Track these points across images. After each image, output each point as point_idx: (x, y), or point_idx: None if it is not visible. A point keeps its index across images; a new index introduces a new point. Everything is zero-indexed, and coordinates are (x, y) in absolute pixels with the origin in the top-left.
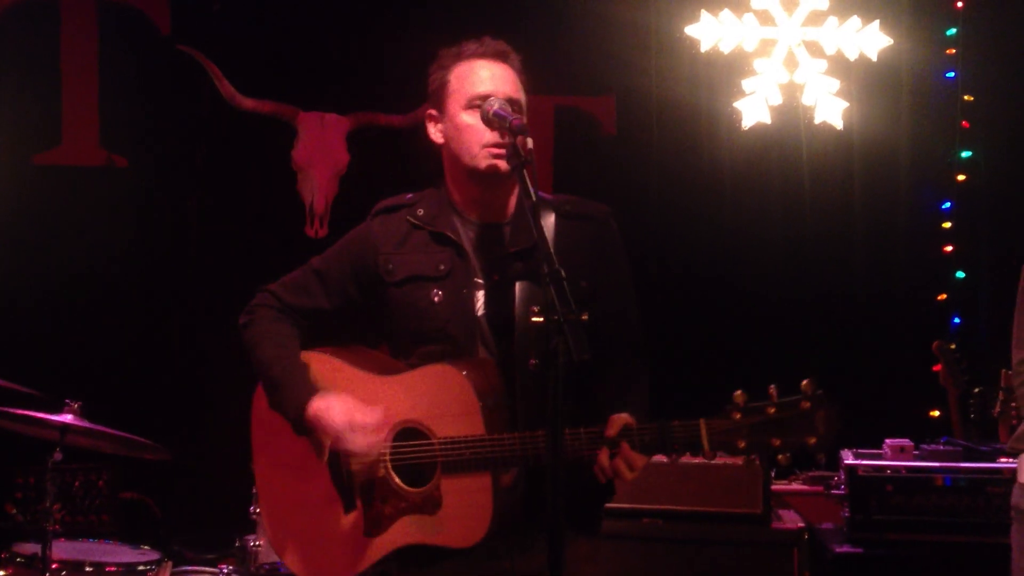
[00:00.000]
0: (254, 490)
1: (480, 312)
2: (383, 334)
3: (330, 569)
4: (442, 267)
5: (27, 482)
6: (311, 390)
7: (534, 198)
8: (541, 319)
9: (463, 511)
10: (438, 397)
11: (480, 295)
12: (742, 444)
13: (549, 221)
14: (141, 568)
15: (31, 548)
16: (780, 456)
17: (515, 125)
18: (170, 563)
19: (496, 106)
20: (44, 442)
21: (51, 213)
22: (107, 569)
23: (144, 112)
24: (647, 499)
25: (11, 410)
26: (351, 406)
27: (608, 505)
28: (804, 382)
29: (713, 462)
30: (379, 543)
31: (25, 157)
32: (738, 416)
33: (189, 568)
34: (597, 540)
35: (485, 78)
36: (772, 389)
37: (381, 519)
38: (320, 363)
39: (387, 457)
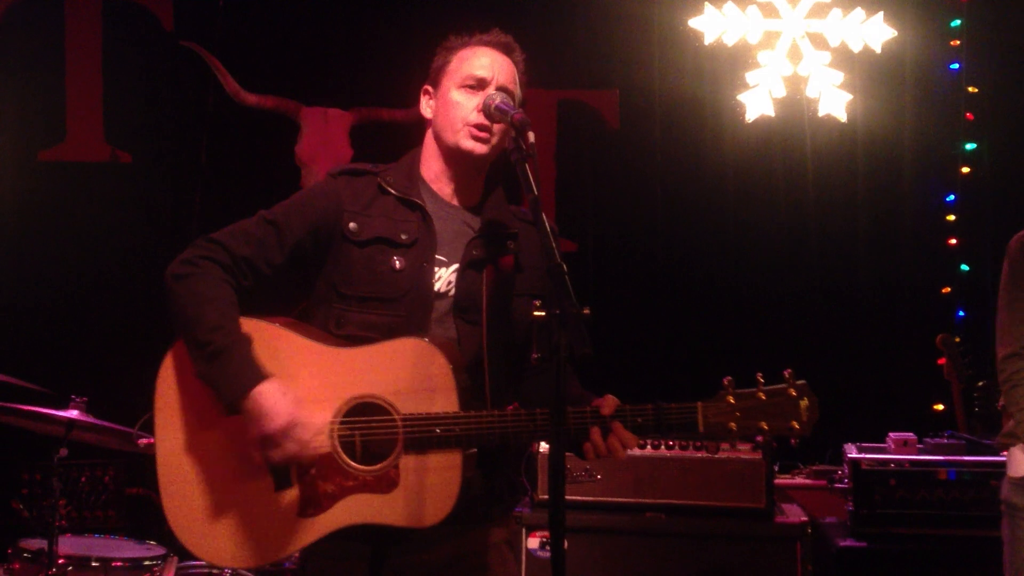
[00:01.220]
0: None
1: (440, 289)
2: (319, 299)
3: (252, 553)
4: (405, 236)
5: (33, 478)
6: (259, 372)
7: (536, 192)
8: (543, 313)
9: (426, 490)
10: (406, 372)
11: (439, 272)
12: (733, 427)
13: (515, 225)
14: (147, 563)
15: (37, 544)
16: (760, 437)
17: (517, 120)
18: (176, 558)
19: (498, 100)
20: (50, 438)
21: (56, 209)
22: (113, 564)
23: (148, 108)
24: (650, 493)
25: (17, 406)
26: (298, 401)
27: (611, 500)
28: (786, 372)
29: (716, 456)
30: (316, 524)
31: (30, 153)
32: (731, 400)
33: (195, 563)
34: (512, 527)
35: (485, 63)
36: (760, 376)
37: (321, 498)
38: (259, 332)
39: (334, 433)
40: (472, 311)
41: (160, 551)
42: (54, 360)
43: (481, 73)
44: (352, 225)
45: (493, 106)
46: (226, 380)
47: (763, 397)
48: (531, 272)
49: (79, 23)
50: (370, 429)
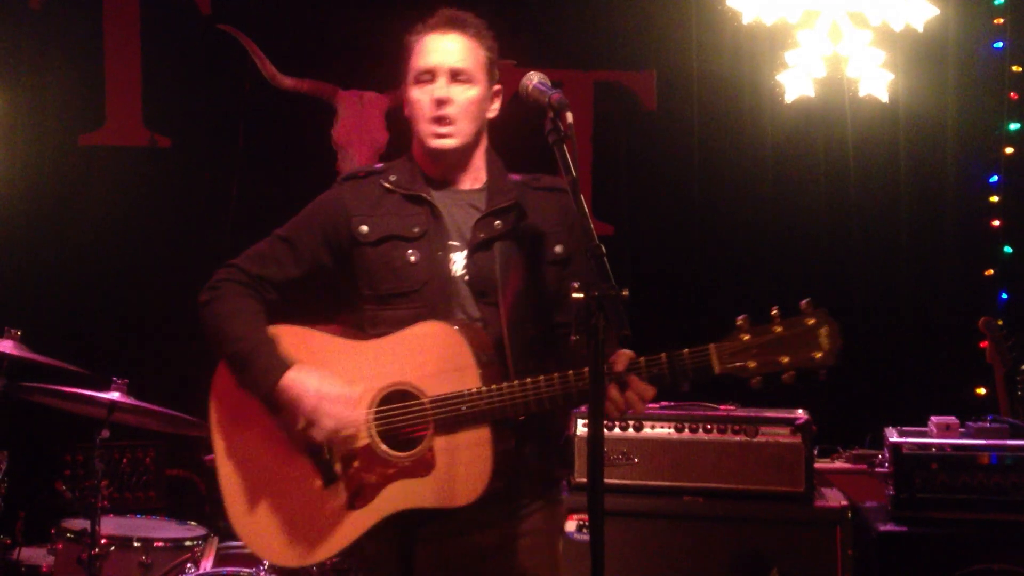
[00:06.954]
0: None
1: (457, 274)
2: (348, 303)
3: (312, 550)
4: (416, 229)
5: (75, 459)
6: (283, 364)
7: (574, 174)
8: (581, 295)
9: (461, 468)
10: (428, 355)
11: (455, 257)
12: (752, 364)
13: (523, 196)
14: (188, 543)
15: (80, 524)
16: (785, 375)
17: (554, 100)
18: (216, 538)
19: (536, 80)
20: (92, 420)
21: (96, 193)
22: (155, 544)
23: (186, 92)
24: (688, 477)
25: (60, 388)
26: (325, 379)
27: (649, 483)
28: (803, 302)
29: (755, 440)
30: (364, 514)
31: (70, 138)
32: (747, 337)
33: (235, 543)
34: (559, 509)
35: (430, 50)
36: (775, 310)
37: (365, 489)
38: (293, 335)
39: (371, 424)
40: (489, 292)
41: (201, 531)
42: (96, 342)
43: (425, 63)
44: (362, 228)
45: (531, 86)
46: (256, 381)
47: (779, 330)
48: (552, 237)
49: (117, 8)
50: (403, 416)
